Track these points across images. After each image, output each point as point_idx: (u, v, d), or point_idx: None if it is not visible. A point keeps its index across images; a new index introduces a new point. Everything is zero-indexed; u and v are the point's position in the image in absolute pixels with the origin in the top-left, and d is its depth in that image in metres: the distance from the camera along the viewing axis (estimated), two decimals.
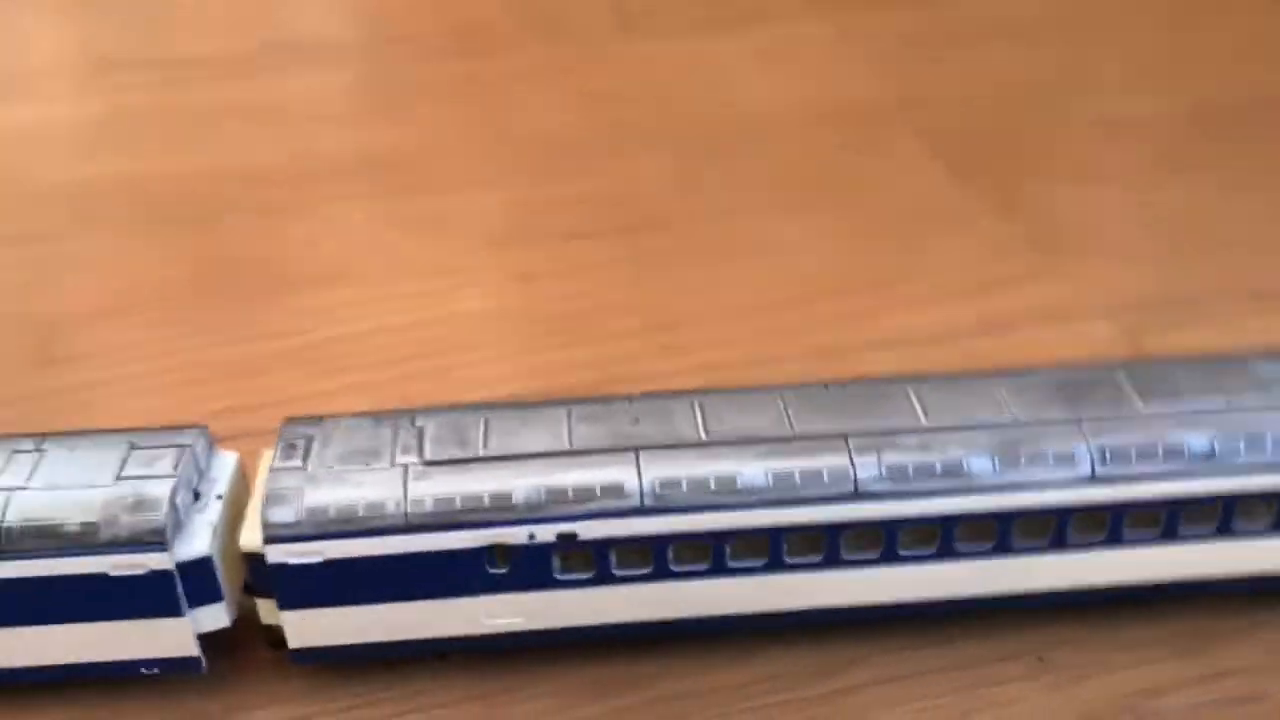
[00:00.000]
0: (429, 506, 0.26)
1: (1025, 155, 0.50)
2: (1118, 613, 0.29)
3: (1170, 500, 0.27)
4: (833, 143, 0.52)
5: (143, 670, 0.27)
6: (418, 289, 0.42)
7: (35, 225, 0.48)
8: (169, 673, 0.27)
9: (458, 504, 0.26)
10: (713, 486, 0.26)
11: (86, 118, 0.57)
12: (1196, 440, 0.27)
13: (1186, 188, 0.47)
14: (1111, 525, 0.27)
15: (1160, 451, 0.27)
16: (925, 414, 0.27)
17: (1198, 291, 0.41)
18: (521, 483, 0.26)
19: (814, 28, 0.63)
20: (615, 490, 0.26)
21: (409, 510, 0.26)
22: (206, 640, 0.27)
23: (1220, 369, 0.29)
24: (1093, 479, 0.27)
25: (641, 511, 0.26)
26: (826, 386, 0.29)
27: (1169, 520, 0.27)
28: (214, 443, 0.28)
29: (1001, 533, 0.27)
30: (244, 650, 0.28)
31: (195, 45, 0.64)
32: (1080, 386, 0.28)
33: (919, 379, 0.29)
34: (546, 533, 0.26)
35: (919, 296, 0.41)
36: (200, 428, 0.28)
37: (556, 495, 0.26)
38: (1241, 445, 0.27)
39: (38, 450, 0.27)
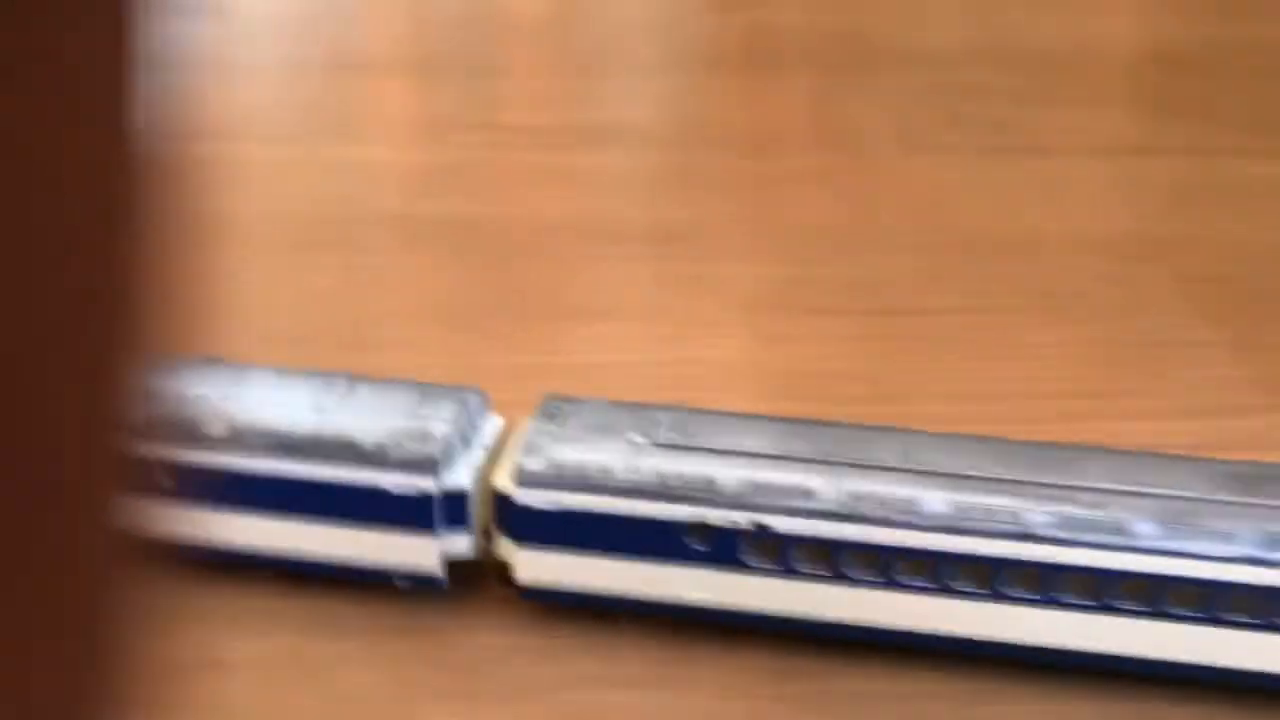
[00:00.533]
0: (649, 478, 0.31)
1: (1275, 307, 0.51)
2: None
3: None
4: (1088, 270, 0.54)
5: (395, 581, 0.33)
6: (672, 334, 0.48)
7: (363, 242, 0.56)
8: (416, 587, 0.33)
9: (672, 481, 0.30)
10: (896, 506, 0.30)
11: (419, 164, 0.66)
12: None
13: None
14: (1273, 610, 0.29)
15: None
16: (1105, 478, 0.30)
17: None
18: (730, 473, 0.30)
19: (1094, 166, 0.66)
20: (809, 493, 0.30)
21: (633, 478, 0.31)
22: (452, 567, 0.32)
23: None
24: (1252, 561, 0.29)
25: (829, 516, 0.30)
26: (1023, 444, 0.32)
27: None
28: (487, 406, 0.34)
29: (1156, 598, 0.29)
30: (479, 583, 0.33)
31: (521, 117, 0.73)
32: (1261, 479, 0.30)
33: (1110, 449, 0.31)
34: (744, 520, 0.30)
35: (1139, 411, 0.44)
36: (477, 389, 0.34)
37: (758, 489, 0.30)
38: None
39: (350, 385, 0.33)
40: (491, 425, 0.34)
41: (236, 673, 0.31)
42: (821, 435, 0.32)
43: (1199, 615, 0.29)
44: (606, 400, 0.33)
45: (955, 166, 0.64)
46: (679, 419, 0.32)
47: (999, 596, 0.30)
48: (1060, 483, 0.30)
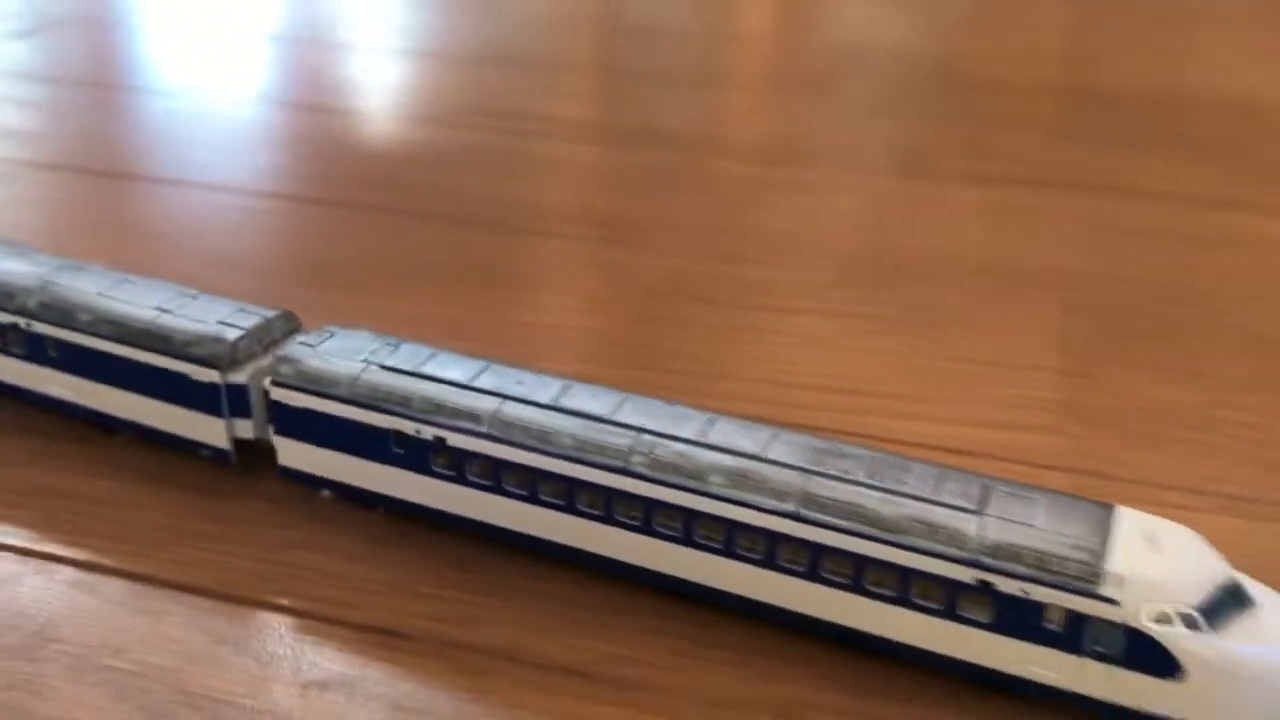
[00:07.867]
0: (366, 390, 0.39)
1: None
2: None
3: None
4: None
5: (201, 452, 0.42)
6: None
7: None
8: (214, 458, 0.42)
9: (383, 394, 0.39)
10: (534, 434, 0.37)
11: None
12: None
13: None
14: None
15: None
16: (707, 434, 0.36)
17: None
18: (423, 394, 0.38)
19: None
20: (476, 417, 0.38)
21: (354, 391, 0.39)
22: (238, 444, 0.42)
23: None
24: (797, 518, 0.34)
25: (488, 438, 0.37)
26: (670, 403, 0.38)
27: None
28: (294, 323, 0.43)
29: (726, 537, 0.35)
30: (260, 460, 0.43)
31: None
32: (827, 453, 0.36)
33: (722, 415, 0.37)
34: (428, 433, 0.38)
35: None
36: (288, 310, 0.43)
37: (440, 409, 0.38)
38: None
39: (195, 296, 0.43)
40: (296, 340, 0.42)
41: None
42: (507, 374, 0.39)
43: (758, 558, 0.35)
44: (368, 330, 0.42)
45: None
46: (414, 351, 0.40)
47: (611, 520, 0.37)
48: (669, 432, 0.36)
